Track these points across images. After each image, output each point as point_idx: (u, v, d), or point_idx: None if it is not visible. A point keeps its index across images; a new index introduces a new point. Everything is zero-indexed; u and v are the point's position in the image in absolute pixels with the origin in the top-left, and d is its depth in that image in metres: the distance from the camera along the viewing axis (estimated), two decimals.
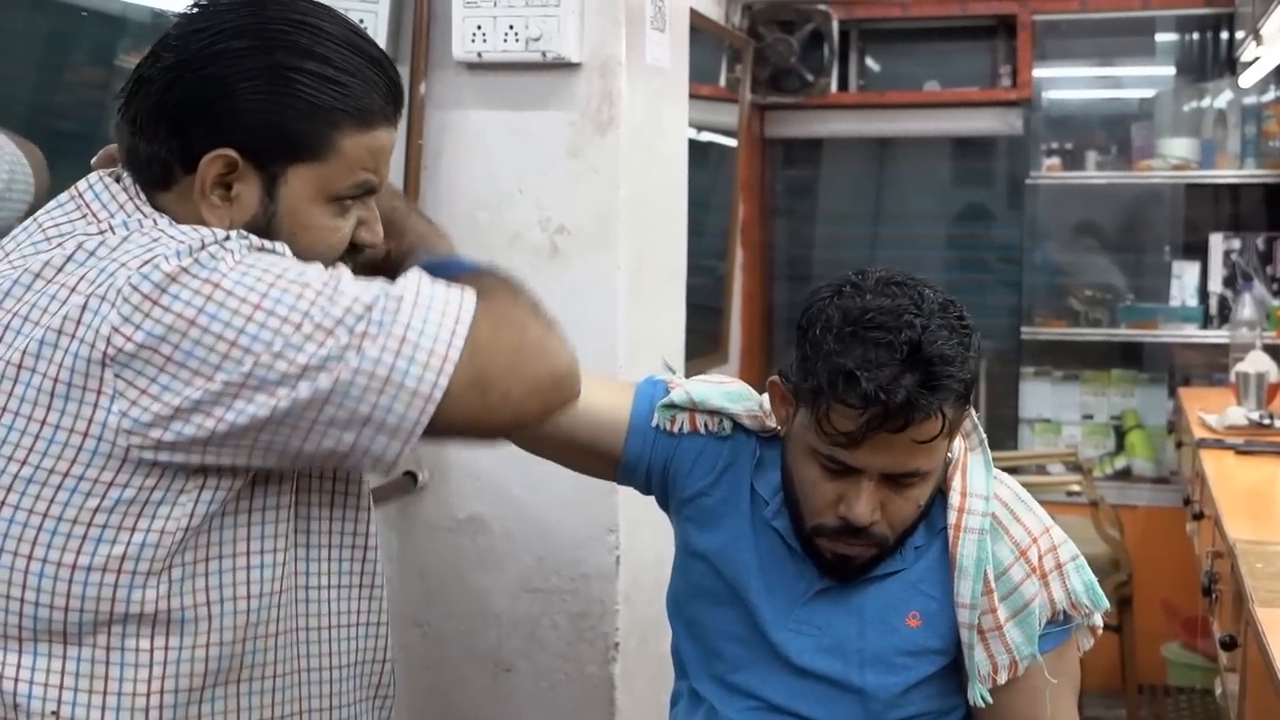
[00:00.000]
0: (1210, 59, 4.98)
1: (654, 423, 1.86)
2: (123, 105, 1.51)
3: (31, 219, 1.54)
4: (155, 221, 1.45)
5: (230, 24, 1.46)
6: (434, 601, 2.65)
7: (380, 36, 2.58)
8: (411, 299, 1.42)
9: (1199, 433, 3.57)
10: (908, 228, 5.33)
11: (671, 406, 1.86)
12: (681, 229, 2.95)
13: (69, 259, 1.41)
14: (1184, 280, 4.82)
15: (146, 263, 1.37)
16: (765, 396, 1.86)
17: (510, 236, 2.56)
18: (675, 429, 1.86)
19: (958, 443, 1.79)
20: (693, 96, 3.09)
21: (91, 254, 1.41)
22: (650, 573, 2.64)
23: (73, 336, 1.36)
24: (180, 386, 1.36)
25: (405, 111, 2.53)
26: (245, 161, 1.46)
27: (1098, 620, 1.81)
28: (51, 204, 1.54)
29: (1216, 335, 4.65)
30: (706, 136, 4.60)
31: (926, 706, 1.80)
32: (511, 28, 2.51)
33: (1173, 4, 4.82)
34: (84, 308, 1.36)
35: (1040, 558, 1.76)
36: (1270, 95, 4.69)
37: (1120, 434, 4.92)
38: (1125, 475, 4.82)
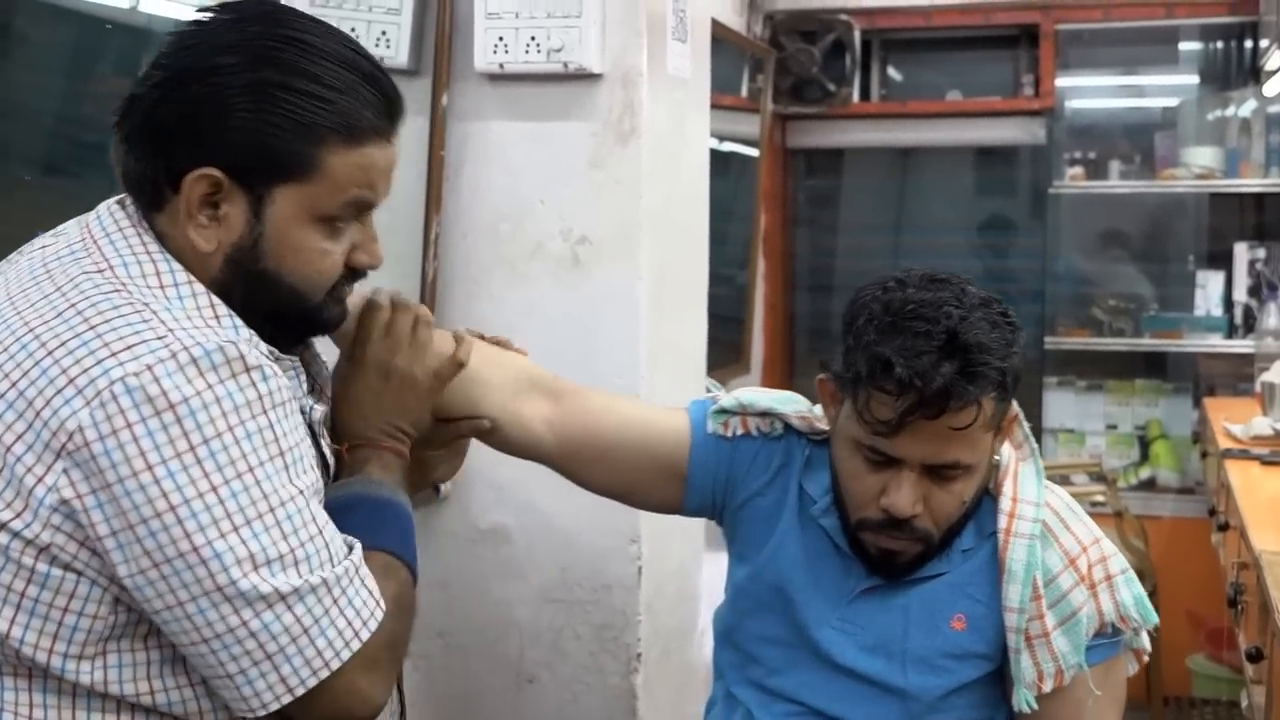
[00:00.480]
0: (1234, 67, 4.97)
1: (709, 430, 1.88)
2: (116, 123, 1.47)
3: (38, 246, 1.51)
4: (159, 274, 1.42)
5: (219, 40, 1.43)
6: (456, 611, 2.65)
7: (402, 48, 2.59)
8: (337, 593, 1.42)
9: (1224, 443, 3.56)
10: (930, 237, 5.32)
11: (723, 411, 1.89)
12: (703, 239, 2.95)
13: (58, 316, 1.38)
14: (1208, 290, 4.80)
15: (134, 360, 1.32)
16: (818, 405, 1.88)
17: (532, 247, 2.56)
18: (729, 433, 1.88)
19: (1008, 450, 1.80)
20: (715, 107, 3.09)
21: (79, 313, 1.37)
22: (673, 583, 2.64)
23: (38, 414, 1.33)
24: (107, 519, 1.33)
25: (428, 123, 2.56)
26: (231, 181, 1.42)
27: (1145, 642, 1.81)
28: (61, 231, 1.52)
29: (1241, 345, 4.63)
30: (728, 146, 4.60)
31: (967, 713, 1.80)
32: (533, 39, 2.52)
33: (1196, 13, 4.80)
34: (59, 390, 1.32)
35: (1090, 567, 1.76)
36: None
37: (1145, 444, 4.89)
38: (1150, 486, 4.80)
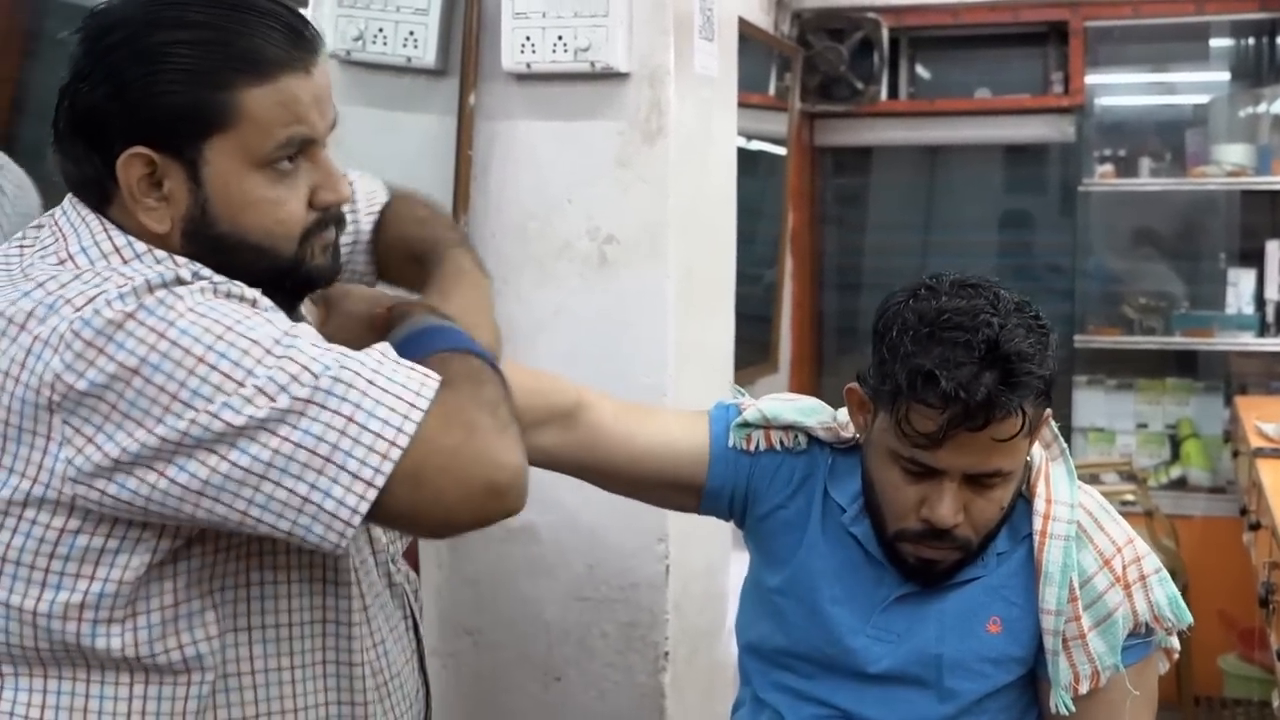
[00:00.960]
0: (1265, 64, 4.93)
1: (730, 443, 1.86)
2: (52, 131, 1.44)
3: (11, 242, 1.49)
4: (118, 249, 1.41)
5: (107, 22, 1.40)
6: (484, 609, 2.65)
7: (430, 48, 2.60)
8: (368, 376, 1.34)
9: (1256, 442, 3.54)
10: (959, 235, 5.30)
11: (746, 425, 1.86)
12: (731, 238, 2.95)
13: (23, 295, 1.35)
14: (1240, 288, 4.77)
15: (89, 303, 1.31)
16: (840, 410, 1.86)
17: (559, 246, 2.56)
18: (752, 447, 1.86)
19: (1038, 451, 1.79)
20: (742, 105, 3.09)
21: (41, 285, 1.35)
22: (700, 582, 2.64)
23: (17, 380, 1.32)
24: (122, 437, 1.30)
25: (456, 123, 2.56)
26: (160, 154, 1.38)
27: (1175, 642, 1.80)
28: (39, 223, 1.50)
29: (1273, 343, 4.60)
30: (756, 145, 4.59)
31: (999, 716, 1.79)
32: (560, 38, 2.52)
33: (1227, 9, 4.77)
34: (29, 351, 1.31)
35: (1124, 568, 1.75)
36: None
37: (1175, 443, 4.87)
38: (1180, 485, 4.77)
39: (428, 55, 2.61)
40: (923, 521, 1.68)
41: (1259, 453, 3.40)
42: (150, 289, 1.32)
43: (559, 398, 1.83)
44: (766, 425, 1.85)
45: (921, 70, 5.25)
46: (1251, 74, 4.97)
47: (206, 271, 1.39)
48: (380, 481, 1.32)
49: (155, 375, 1.29)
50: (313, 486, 1.31)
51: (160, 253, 1.41)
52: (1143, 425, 4.88)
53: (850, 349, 5.41)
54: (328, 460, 1.31)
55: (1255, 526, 3.15)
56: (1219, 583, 4.21)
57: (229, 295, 1.36)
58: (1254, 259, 4.78)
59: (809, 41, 4.79)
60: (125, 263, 1.40)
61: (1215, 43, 5.07)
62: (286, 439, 1.30)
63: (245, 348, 1.31)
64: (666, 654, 2.57)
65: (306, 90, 1.42)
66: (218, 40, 1.37)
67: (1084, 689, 1.74)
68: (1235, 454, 4.24)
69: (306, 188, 1.45)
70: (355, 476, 1.32)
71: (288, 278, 1.47)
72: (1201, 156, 4.77)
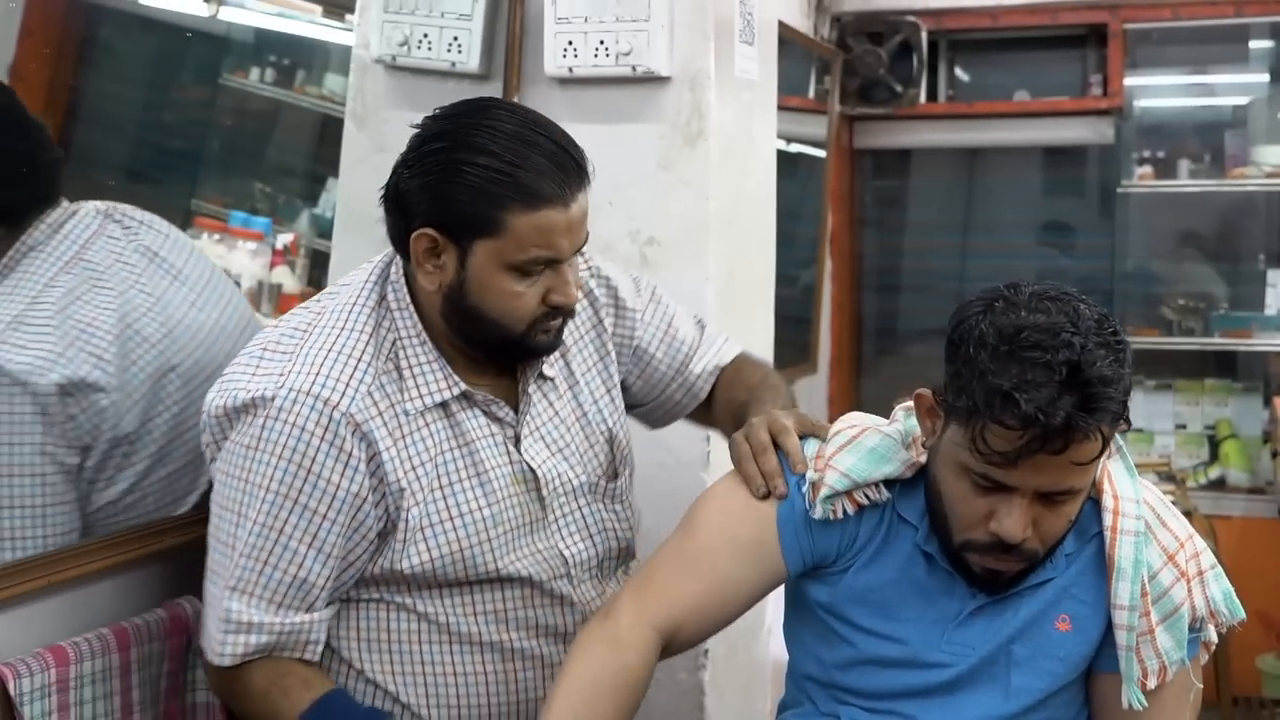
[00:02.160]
0: None
1: (817, 516, 1.77)
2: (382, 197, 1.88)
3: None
4: (323, 328, 1.86)
5: (435, 130, 1.81)
6: None
7: (474, 53, 2.61)
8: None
9: None
10: (998, 238, 5.28)
11: (833, 496, 1.77)
12: (771, 240, 2.95)
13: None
14: (1279, 289, 4.73)
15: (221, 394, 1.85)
16: (897, 425, 1.81)
17: (601, 248, 2.56)
18: (839, 515, 1.77)
19: None
20: (782, 108, 3.09)
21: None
22: None
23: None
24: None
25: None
26: (443, 237, 1.80)
27: (1213, 634, 1.78)
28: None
29: None
30: (796, 148, 4.59)
31: (1059, 712, 1.78)
32: (602, 43, 2.53)
33: (1266, 11, 4.72)
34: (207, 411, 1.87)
35: (1187, 562, 1.74)
36: None
37: (1214, 444, 4.82)
38: (1220, 485, 4.73)
39: (471, 60, 2.63)
40: (991, 535, 1.65)
41: None
42: (252, 414, 1.82)
43: (644, 661, 1.77)
44: (854, 487, 1.77)
45: (960, 73, 5.22)
46: None
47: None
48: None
49: (219, 492, 1.90)
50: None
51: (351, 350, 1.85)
52: (1181, 426, 4.84)
53: (889, 350, 5.39)
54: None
55: None
56: (1258, 583, 4.16)
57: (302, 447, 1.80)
58: None
59: (848, 45, 4.77)
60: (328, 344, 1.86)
61: (1254, 44, 5.02)
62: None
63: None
64: (706, 652, 2.56)
65: (562, 221, 1.79)
66: (504, 170, 1.76)
67: (1152, 684, 1.72)
68: (1274, 455, 4.20)
69: (544, 288, 1.84)
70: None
71: (514, 347, 1.89)
72: (1241, 158, 4.73)
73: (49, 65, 3.42)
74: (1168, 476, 4.39)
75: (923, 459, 1.76)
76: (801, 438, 1.85)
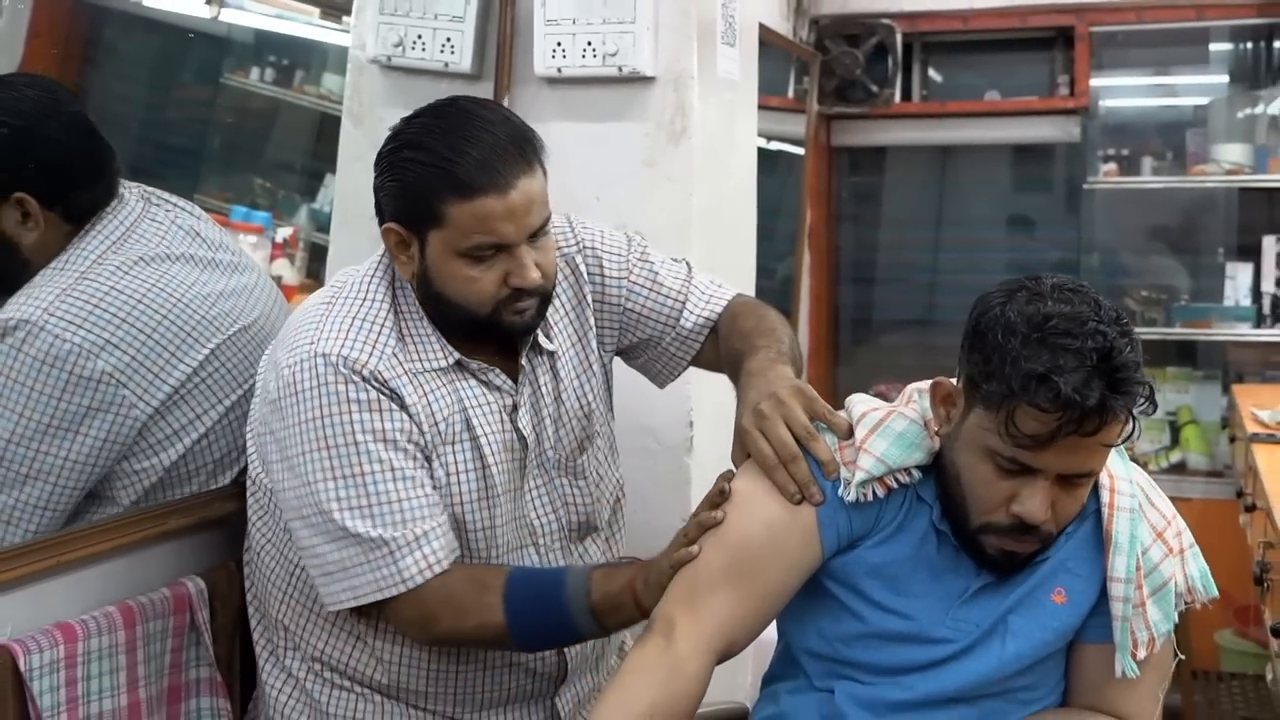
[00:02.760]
0: (1263, 67, 4.90)
1: (850, 499, 1.74)
2: None
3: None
4: (345, 299, 1.92)
5: (395, 132, 1.88)
6: None
7: (466, 54, 2.61)
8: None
9: (1252, 428, 3.52)
10: (969, 232, 5.29)
11: (868, 480, 1.74)
12: (751, 234, 2.95)
13: None
14: (1237, 281, 4.74)
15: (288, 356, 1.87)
16: (914, 407, 1.79)
17: None
18: (870, 497, 1.76)
19: None
20: (762, 108, 3.09)
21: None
22: None
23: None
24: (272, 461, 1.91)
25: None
26: (405, 231, 1.87)
27: (1180, 606, 1.80)
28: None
29: (1269, 334, 4.58)
30: (776, 146, 4.59)
31: (1043, 679, 1.80)
32: (589, 44, 2.53)
33: (1226, 14, 4.73)
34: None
35: (1173, 540, 1.77)
36: None
37: (1175, 429, 4.84)
38: (1180, 469, 4.75)
39: (464, 61, 2.62)
40: (1013, 517, 1.65)
41: (1255, 438, 3.39)
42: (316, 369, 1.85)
43: (701, 691, 1.72)
44: (888, 472, 1.75)
45: (934, 74, 5.23)
46: (1249, 77, 4.93)
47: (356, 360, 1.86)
48: (346, 608, 1.89)
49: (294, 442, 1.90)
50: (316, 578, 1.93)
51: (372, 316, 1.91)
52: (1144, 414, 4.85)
53: (865, 340, 5.40)
54: (327, 575, 1.89)
55: (1251, 508, 3.14)
56: (1216, 562, 4.14)
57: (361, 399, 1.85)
58: (1251, 253, 4.74)
59: (826, 47, 4.78)
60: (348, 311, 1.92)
61: (1215, 47, 5.03)
62: (319, 544, 1.88)
63: (351, 463, 1.87)
64: None
65: (499, 208, 1.81)
66: (438, 164, 1.80)
67: (1141, 655, 1.74)
68: (1232, 439, 4.22)
69: (502, 271, 1.86)
70: (336, 595, 1.89)
71: (487, 329, 1.91)
72: (1201, 156, 4.75)
73: (56, 65, 3.41)
74: (1131, 460, 4.40)
75: (936, 443, 1.76)
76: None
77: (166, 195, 2.22)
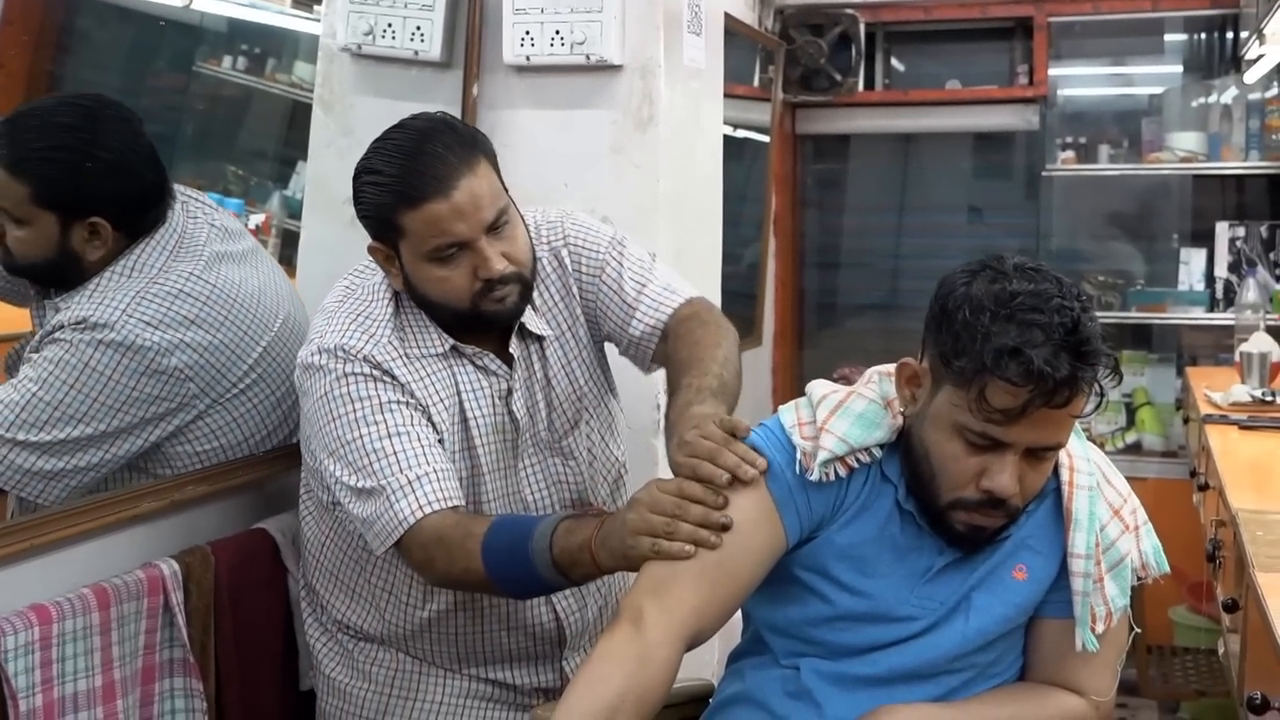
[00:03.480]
0: (1216, 57, 4.92)
1: (814, 478, 1.73)
2: None
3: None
4: (356, 299, 2.04)
5: (359, 162, 1.97)
6: None
7: (435, 42, 2.60)
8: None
9: (1205, 409, 3.54)
10: (931, 218, 5.29)
11: (830, 460, 1.74)
12: (717, 220, 2.95)
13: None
14: (1191, 266, 4.77)
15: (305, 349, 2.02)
16: (874, 388, 1.79)
17: None
18: (832, 476, 1.75)
19: None
20: (728, 96, 3.08)
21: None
22: None
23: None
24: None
25: (460, 112, 2.55)
26: (385, 247, 1.98)
27: (1134, 581, 1.81)
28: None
29: (1222, 318, 4.60)
30: (741, 133, 4.59)
31: (1000, 654, 1.80)
32: (558, 32, 2.51)
33: (1180, 5, 4.76)
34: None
35: (1128, 517, 1.78)
36: (1273, 91, 4.63)
37: (1131, 411, 4.87)
38: (1136, 449, 4.78)
39: (433, 49, 2.61)
40: (983, 492, 1.66)
41: (1208, 419, 3.41)
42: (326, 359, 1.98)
43: (670, 679, 1.69)
44: (850, 452, 1.74)
45: (896, 63, 5.23)
46: (1203, 66, 4.96)
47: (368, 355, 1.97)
48: (379, 552, 1.96)
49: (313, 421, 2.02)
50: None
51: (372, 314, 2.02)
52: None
53: (829, 324, 5.41)
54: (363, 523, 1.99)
55: (1204, 487, 3.17)
56: (1171, 540, 4.15)
57: (364, 378, 1.96)
58: (1204, 239, 4.77)
59: (791, 36, 4.77)
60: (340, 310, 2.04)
61: (1169, 37, 5.05)
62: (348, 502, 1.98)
63: (349, 436, 1.98)
64: None
65: (446, 210, 1.90)
66: (385, 182, 1.91)
67: (1099, 629, 1.75)
68: (1186, 420, 4.24)
69: (469, 267, 1.94)
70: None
71: (473, 320, 1.99)
72: (1156, 143, 4.77)
73: (29, 52, 3.38)
74: (1087, 441, 4.42)
75: (899, 421, 1.75)
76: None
77: (183, 189, 2.28)
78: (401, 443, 1.92)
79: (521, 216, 2.05)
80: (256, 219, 3.64)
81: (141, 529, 2.08)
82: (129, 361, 2.05)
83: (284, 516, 2.30)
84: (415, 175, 1.89)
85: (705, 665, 2.65)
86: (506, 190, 2.00)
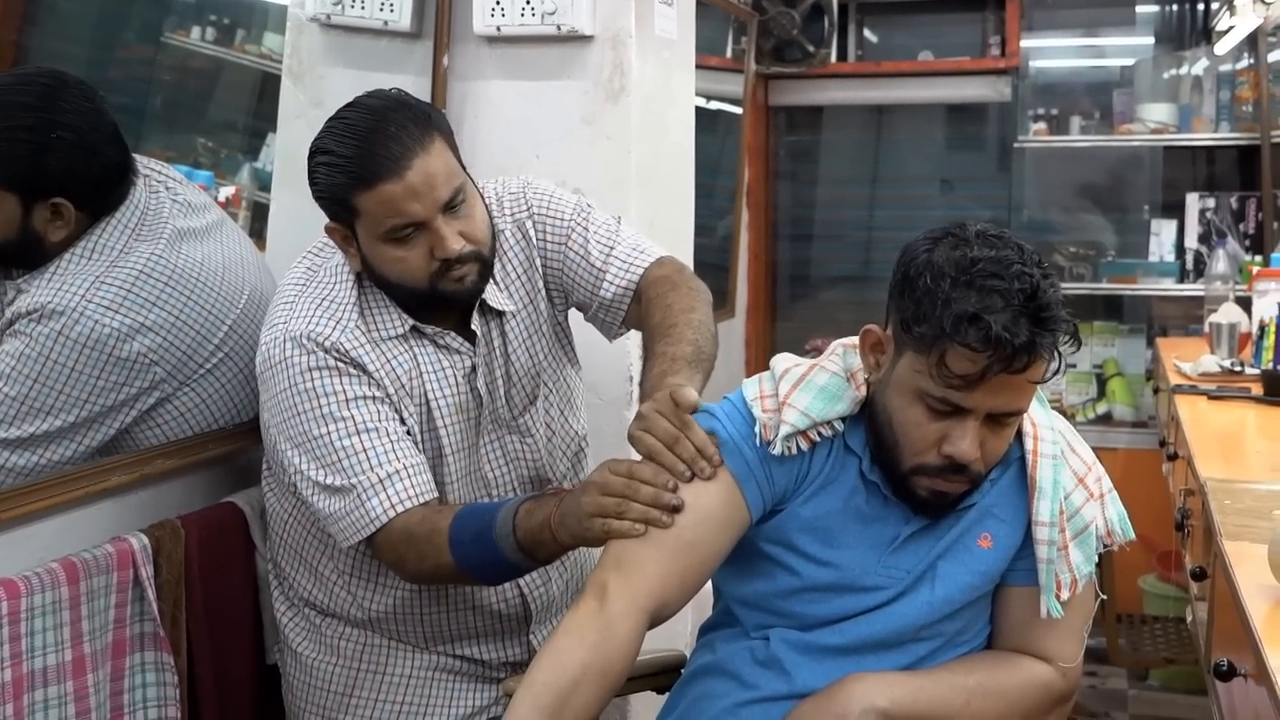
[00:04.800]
0: (1187, 28, 4.93)
1: (776, 452, 1.74)
2: None
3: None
4: (321, 278, 2.01)
5: (312, 143, 1.94)
6: None
7: (405, 12, 2.57)
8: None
9: (1174, 379, 3.56)
10: (903, 190, 5.30)
11: (792, 434, 1.74)
12: (689, 191, 2.94)
13: None
14: (1162, 237, 4.79)
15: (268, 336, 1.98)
16: (837, 361, 1.80)
17: None
18: (794, 450, 1.76)
19: None
20: (701, 67, 3.07)
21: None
22: None
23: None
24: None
25: (430, 83, 2.54)
26: (343, 227, 1.95)
27: (1100, 548, 1.82)
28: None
29: (1192, 289, 4.62)
30: (714, 105, 4.58)
31: (968, 622, 1.81)
32: (528, 2, 2.49)
33: None
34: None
35: (1093, 485, 1.79)
36: (1243, 62, 4.64)
37: (1102, 382, 4.90)
38: (1106, 420, 4.81)
39: (403, 19, 2.58)
40: (944, 457, 1.67)
41: (1177, 389, 3.42)
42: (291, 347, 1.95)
43: (633, 651, 1.70)
44: (812, 426, 1.75)
45: (869, 34, 5.23)
46: (1174, 38, 4.97)
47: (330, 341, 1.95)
48: (345, 546, 1.98)
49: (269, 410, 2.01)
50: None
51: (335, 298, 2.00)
52: (1071, 365, 4.90)
53: (802, 295, 5.42)
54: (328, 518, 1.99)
55: (1173, 457, 3.18)
56: (1140, 510, 4.17)
57: (329, 367, 1.94)
58: (1175, 210, 4.80)
59: (763, 7, 4.76)
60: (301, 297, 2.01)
61: (1141, 9, 5.06)
62: (312, 496, 1.98)
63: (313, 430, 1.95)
64: None
65: (399, 191, 1.87)
66: (340, 164, 1.88)
67: (1064, 596, 1.75)
68: (1156, 391, 4.27)
69: (426, 247, 1.92)
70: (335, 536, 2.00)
71: (433, 299, 1.97)
72: (1128, 115, 4.78)
73: None
74: (1059, 412, 4.44)
75: (862, 393, 1.76)
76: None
77: (150, 164, 2.24)
78: (370, 439, 1.91)
79: (481, 193, 2.03)
80: (227, 191, 3.60)
81: (110, 503, 2.06)
82: (91, 350, 2.02)
83: (253, 490, 2.28)
84: (368, 156, 1.87)
85: (678, 636, 2.65)
86: (464, 167, 1.98)
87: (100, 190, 2.09)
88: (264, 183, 3.58)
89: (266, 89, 3.79)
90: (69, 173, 2.04)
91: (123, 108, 4.08)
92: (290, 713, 2.21)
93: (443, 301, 1.98)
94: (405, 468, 1.92)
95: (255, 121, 4.04)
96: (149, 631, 2.02)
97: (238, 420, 2.25)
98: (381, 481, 1.90)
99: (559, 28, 2.49)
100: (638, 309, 2.08)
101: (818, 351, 1.88)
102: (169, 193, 2.20)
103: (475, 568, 1.88)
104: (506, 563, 1.85)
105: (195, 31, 4.02)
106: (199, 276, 2.16)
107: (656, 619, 1.73)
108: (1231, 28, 4.14)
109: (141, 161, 2.20)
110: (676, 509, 1.70)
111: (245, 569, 2.26)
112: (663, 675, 2.02)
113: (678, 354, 1.88)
